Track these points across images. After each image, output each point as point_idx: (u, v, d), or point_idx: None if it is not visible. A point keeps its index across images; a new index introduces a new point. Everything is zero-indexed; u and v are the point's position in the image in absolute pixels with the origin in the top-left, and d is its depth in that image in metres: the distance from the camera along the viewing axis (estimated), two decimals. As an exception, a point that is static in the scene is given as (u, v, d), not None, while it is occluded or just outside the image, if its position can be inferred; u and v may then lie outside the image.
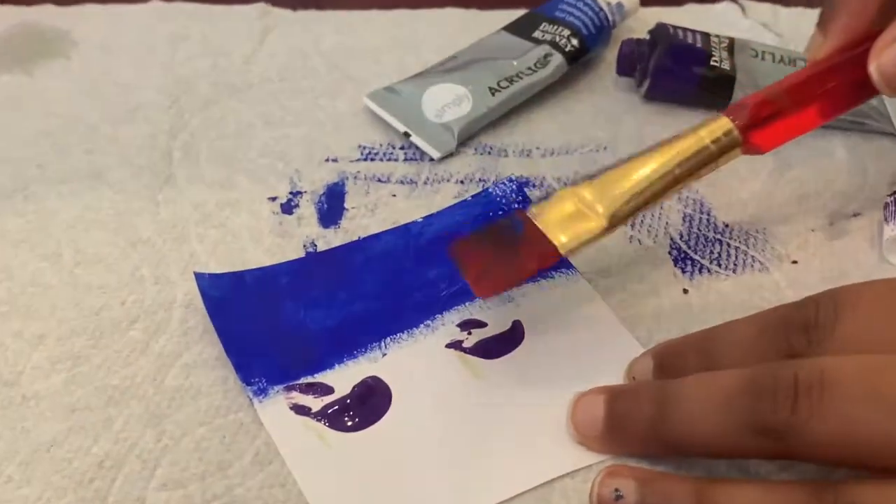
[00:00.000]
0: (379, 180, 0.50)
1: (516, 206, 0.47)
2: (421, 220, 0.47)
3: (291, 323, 0.42)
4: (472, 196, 0.48)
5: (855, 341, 0.35)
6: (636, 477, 0.36)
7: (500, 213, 0.47)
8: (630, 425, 0.37)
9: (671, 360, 0.39)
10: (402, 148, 0.52)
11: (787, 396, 0.33)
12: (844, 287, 0.37)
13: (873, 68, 0.40)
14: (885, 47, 0.40)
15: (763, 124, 0.41)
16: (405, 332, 0.42)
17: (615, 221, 0.40)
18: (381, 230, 0.47)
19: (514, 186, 0.48)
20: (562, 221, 0.39)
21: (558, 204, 0.40)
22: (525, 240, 0.39)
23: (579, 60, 0.55)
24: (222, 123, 0.53)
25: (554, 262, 0.39)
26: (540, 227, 0.39)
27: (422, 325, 0.42)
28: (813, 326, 0.36)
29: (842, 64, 0.42)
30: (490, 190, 0.48)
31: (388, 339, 0.42)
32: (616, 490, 0.35)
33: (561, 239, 0.39)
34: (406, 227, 0.46)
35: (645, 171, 0.40)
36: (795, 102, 0.41)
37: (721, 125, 0.41)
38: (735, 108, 0.41)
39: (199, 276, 0.43)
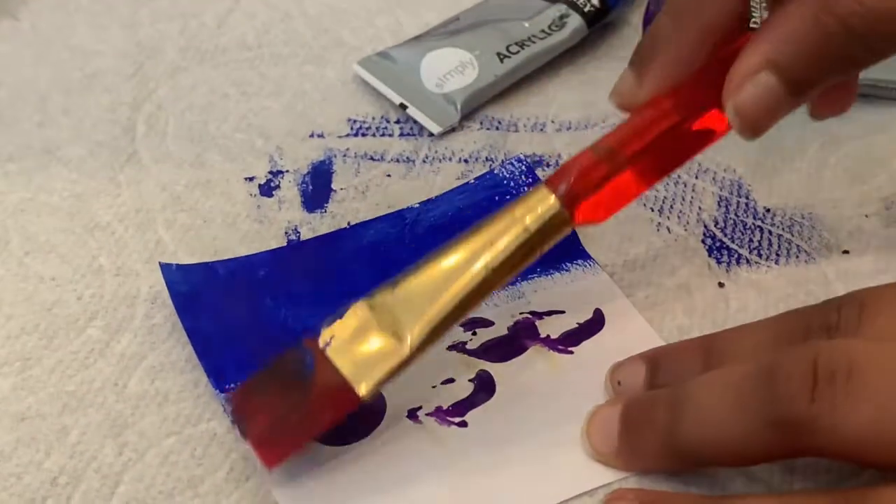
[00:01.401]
0: (371, 159, 0.50)
1: (526, 188, 0.47)
2: (417, 205, 0.47)
3: (270, 322, 0.42)
4: (476, 178, 0.48)
5: (882, 339, 0.35)
6: (641, 500, 0.36)
7: (508, 197, 0.47)
8: (645, 436, 0.37)
9: (668, 366, 0.39)
10: (397, 122, 0.52)
11: (804, 382, 0.33)
12: (870, 288, 0.37)
13: (730, 108, 0.38)
14: (742, 82, 0.37)
15: (593, 192, 0.39)
16: None
17: (421, 349, 0.37)
18: (373, 215, 0.47)
19: (523, 167, 0.48)
20: (360, 352, 0.37)
21: (353, 326, 0.38)
22: (317, 381, 0.37)
23: (600, 22, 0.55)
24: (192, 94, 0.53)
25: (353, 409, 0.37)
26: (335, 362, 0.37)
27: None
28: (835, 328, 0.36)
29: (675, 106, 0.39)
30: (496, 171, 0.48)
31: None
32: None
33: (363, 384, 0.37)
34: (400, 214, 0.46)
35: (456, 276, 0.38)
36: (627, 160, 0.39)
37: (543, 202, 0.38)
38: (558, 177, 0.39)
39: (166, 268, 0.43)
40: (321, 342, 0.38)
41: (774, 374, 0.34)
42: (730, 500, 0.36)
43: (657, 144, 0.39)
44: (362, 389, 0.37)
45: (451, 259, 0.38)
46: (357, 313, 0.38)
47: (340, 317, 0.38)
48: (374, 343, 0.38)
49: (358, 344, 0.38)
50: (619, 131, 0.39)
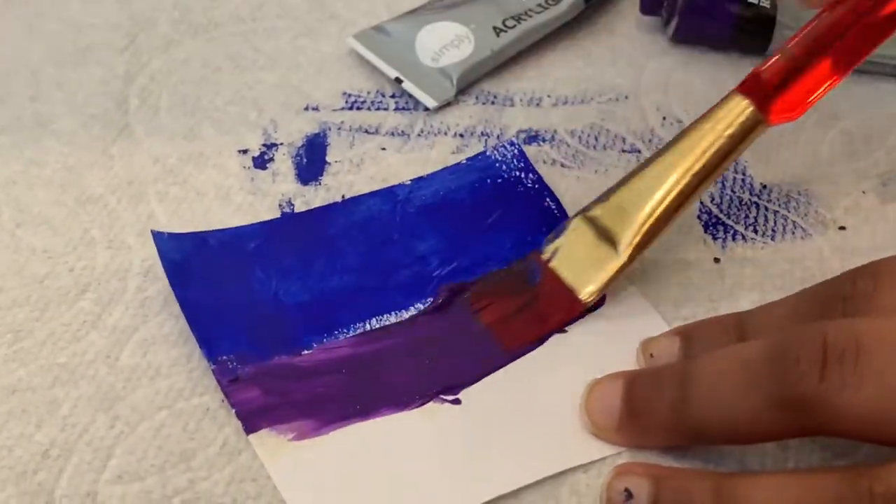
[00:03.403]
0: (366, 132, 0.50)
1: (517, 172, 0.47)
2: (409, 182, 0.47)
3: (261, 294, 0.42)
4: (468, 159, 0.48)
5: (894, 312, 0.35)
6: (650, 475, 0.36)
7: (500, 179, 0.47)
8: (651, 413, 0.37)
9: (701, 340, 0.39)
10: (392, 96, 0.51)
11: (813, 362, 0.33)
12: (885, 258, 0.37)
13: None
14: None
15: (783, 91, 0.41)
16: (392, 313, 0.42)
17: (636, 252, 0.42)
18: (367, 188, 0.47)
19: (515, 150, 0.48)
20: (580, 262, 0.42)
21: (574, 240, 0.43)
22: (544, 290, 0.42)
23: (597, -3, 0.55)
24: (186, 67, 0.53)
25: (578, 313, 0.42)
26: (559, 273, 0.42)
27: (412, 308, 0.42)
28: (850, 298, 0.36)
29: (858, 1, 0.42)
30: (488, 153, 0.48)
31: (374, 319, 0.42)
32: (626, 490, 0.36)
33: (586, 290, 0.42)
34: (392, 191, 0.46)
35: (661, 184, 0.42)
36: (812, 58, 0.41)
37: (737, 109, 0.42)
38: (749, 83, 0.42)
39: (158, 236, 0.43)
40: (545, 255, 0.43)
41: (783, 354, 0.34)
42: (742, 477, 0.36)
43: (846, 36, 0.42)
44: (585, 294, 0.42)
45: (656, 169, 0.42)
46: (577, 227, 0.43)
47: (561, 232, 0.43)
48: (593, 253, 0.42)
49: (578, 255, 0.42)
50: (806, 30, 0.42)
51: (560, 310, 0.41)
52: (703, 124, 0.42)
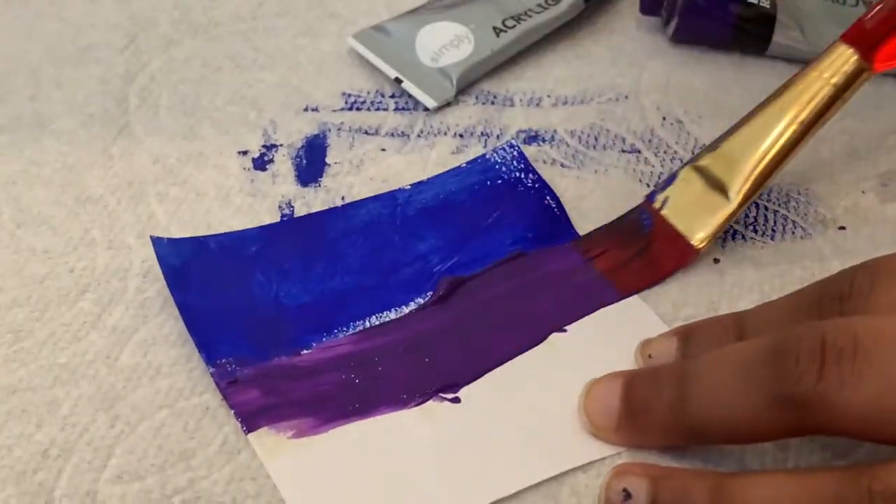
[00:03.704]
0: (366, 133, 0.50)
1: (517, 173, 0.47)
2: (409, 187, 0.47)
3: (261, 298, 0.42)
4: (468, 162, 0.48)
5: (891, 310, 0.35)
6: (649, 475, 0.36)
7: (500, 181, 0.47)
8: (649, 411, 0.37)
9: (700, 340, 0.39)
10: (392, 96, 0.51)
11: (812, 361, 0.33)
12: (883, 257, 0.37)
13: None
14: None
15: (887, 39, 0.43)
16: (392, 310, 0.42)
17: (746, 199, 0.43)
18: (367, 189, 0.47)
19: (514, 152, 0.48)
20: (691, 210, 0.43)
21: (683, 188, 0.44)
22: (657, 237, 0.43)
23: (597, -4, 0.55)
24: (185, 66, 0.53)
25: (692, 259, 0.43)
26: (670, 221, 0.43)
27: (412, 303, 0.43)
28: (847, 296, 0.36)
29: None
30: (488, 156, 0.48)
31: (374, 317, 0.42)
32: (624, 490, 0.36)
33: (698, 236, 0.43)
34: (392, 195, 0.46)
35: (768, 132, 0.43)
36: None
37: (842, 58, 0.43)
38: (853, 32, 0.43)
39: (157, 242, 0.43)
40: (656, 204, 0.44)
41: (782, 353, 0.34)
42: (741, 476, 0.36)
43: None
44: (697, 241, 0.43)
45: (763, 118, 0.43)
46: (686, 177, 0.44)
47: (671, 182, 0.44)
48: (703, 200, 0.43)
49: (689, 203, 0.44)
50: None
51: (673, 255, 0.43)
52: (808, 73, 0.43)
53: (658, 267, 0.43)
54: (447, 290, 0.43)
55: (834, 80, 0.43)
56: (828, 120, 0.43)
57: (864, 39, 0.43)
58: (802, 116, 0.43)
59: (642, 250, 0.43)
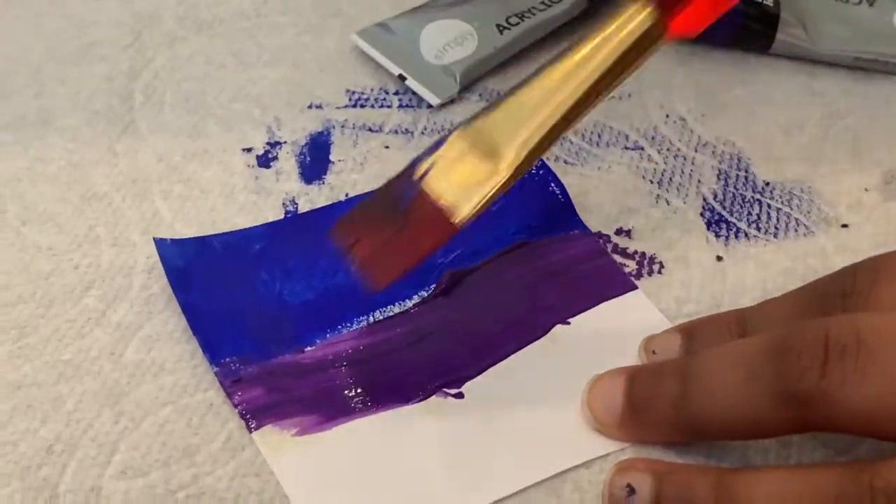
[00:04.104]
0: (370, 130, 0.50)
1: None
2: None
3: (266, 296, 0.42)
4: None
5: (894, 307, 0.35)
6: (653, 470, 0.36)
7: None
8: (652, 408, 0.37)
9: (704, 337, 0.40)
10: (396, 93, 0.52)
11: (815, 358, 0.33)
12: (885, 254, 0.37)
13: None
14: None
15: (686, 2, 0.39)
16: (396, 303, 0.42)
17: (518, 170, 0.38)
18: (371, 187, 0.47)
19: None
20: (457, 179, 0.38)
21: (452, 154, 0.39)
22: (414, 214, 0.38)
23: (601, -6, 0.55)
24: (190, 63, 0.53)
25: (451, 236, 0.38)
26: (433, 192, 0.38)
27: (415, 297, 0.43)
28: (849, 293, 0.36)
29: None
30: None
31: (378, 312, 0.42)
32: (628, 486, 0.36)
33: (460, 210, 0.38)
34: None
35: (550, 96, 0.38)
36: None
37: (637, 16, 0.38)
38: None
39: (160, 243, 0.43)
40: (419, 172, 0.38)
41: (785, 349, 0.34)
42: (744, 472, 0.36)
43: None
44: (458, 215, 0.38)
45: (545, 79, 0.38)
46: (455, 141, 0.39)
47: (439, 146, 0.39)
48: (472, 169, 0.38)
49: (456, 171, 0.38)
50: None
51: (429, 234, 0.38)
52: (600, 31, 0.38)
53: (416, 246, 0.38)
54: (449, 284, 0.43)
55: (624, 38, 0.38)
56: (617, 85, 0.39)
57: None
58: (588, 81, 0.38)
59: (398, 232, 0.38)
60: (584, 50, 0.38)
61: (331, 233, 0.39)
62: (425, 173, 0.38)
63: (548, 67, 0.39)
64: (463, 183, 0.38)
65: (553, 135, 0.38)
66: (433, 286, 0.43)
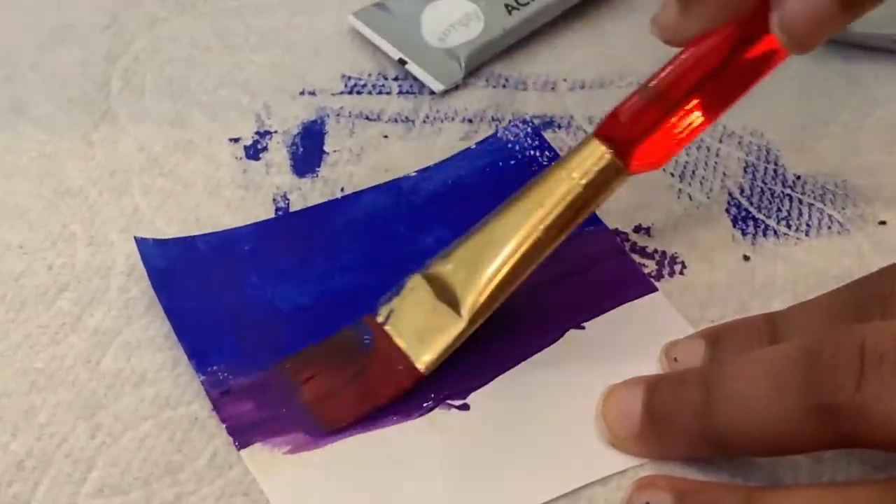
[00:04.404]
0: (367, 118, 0.50)
1: (531, 151, 0.47)
2: (414, 174, 0.47)
3: (256, 301, 0.42)
4: (478, 143, 0.48)
5: None
6: (674, 488, 0.36)
7: (513, 162, 0.47)
8: (674, 420, 0.37)
9: (729, 343, 0.39)
10: (395, 79, 0.51)
11: (850, 368, 0.33)
12: None
13: (776, 21, 0.38)
14: None
15: (645, 137, 0.40)
16: None
17: (479, 315, 0.40)
18: (368, 179, 0.47)
19: (528, 129, 0.48)
20: (418, 326, 0.40)
21: (411, 300, 0.41)
22: (376, 357, 0.40)
23: (617, -29, 0.55)
24: (172, 46, 0.53)
25: (413, 383, 0.40)
26: (394, 338, 0.40)
27: None
28: (888, 297, 0.36)
29: (726, 38, 0.40)
30: (499, 134, 0.48)
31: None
32: None
33: (423, 358, 0.40)
34: (396, 184, 0.46)
35: (508, 239, 0.40)
36: (678, 100, 0.40)
37: (594, 155, 0.40)
38: (606, 125, 0.41)
39: (142, 243, 0.43)
40: (380, 318, 0.41)
41: (818, 359, 0.34)
42: (774, 490, 0.36)
43: (712, 79, 0.40)
44: (422, 363, 0.40)
45: (501, 223, 0.40)
46: (414, 286, 0.41)
47: (398, 292, 0.41)
48: (432, 316, 0.40)
49: (416, 318, 0.40)
50: (667, 69, 0.41)
51: (393, 380, 0.40)
52: (557, 171, 0.40)
53: (373, 393, 0.39)
54: None
55: (584, 180, 0.40)
56: (579, 223, 0.41)
57: (619, 135, 0.40)
58: (548, 221, 0.40)
59: (358, 374, 0.40)
60: (539, 192, 0.40)
61: (281, 366, 0.40)
62: (387, 318, 0.41)
63: (503, 209, 0.41)
64: (424, 329, 0.40)
65: (513, 278, 0.40)
66: None
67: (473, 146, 0.48)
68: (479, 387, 0.40)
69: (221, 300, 0.42)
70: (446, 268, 0.41)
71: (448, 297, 0.40)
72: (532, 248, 0.40)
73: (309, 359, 0.40)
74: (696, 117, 0.41)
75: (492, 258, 0.40)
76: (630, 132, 0.40)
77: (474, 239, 0.41)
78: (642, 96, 0.41)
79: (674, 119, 0.40)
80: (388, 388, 0.39)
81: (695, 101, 0.40)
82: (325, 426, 0.39)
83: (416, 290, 0.41)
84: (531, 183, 0.41)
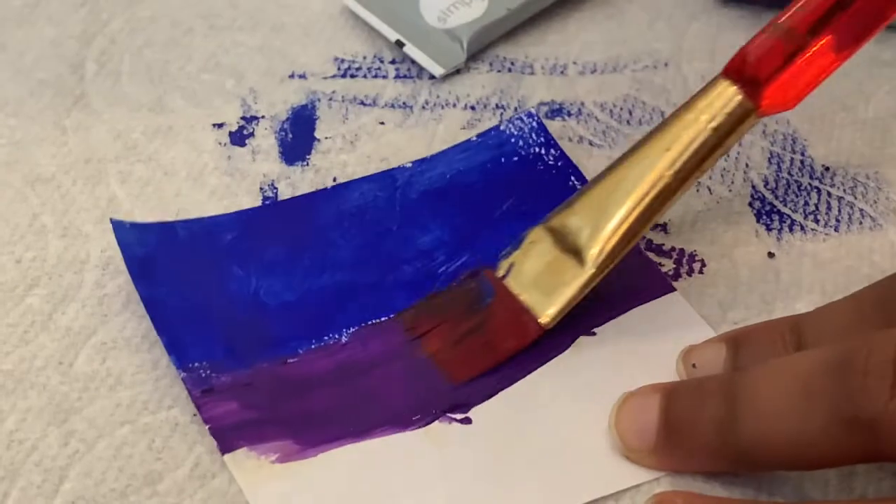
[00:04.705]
0: (362, 103, 0.50)
1: (536, 148, 0.47)
2: (410, 165, 0.47)
3: (239, 294, 0.42)
4: (479, 135, 0.48)
5: None
6: None
7: (516, 157, 0.47)
8: (692, 431, 0.37)
9: (752, 348, 0.39)
10: (392, 62, 0.52)
11: (883, 376, 0.33)
12: None
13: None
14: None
15: (777, 76, 0.41)
16: (393, 314, 0.42)
17: (605, 265, 0.41)
18: (362, 169, 0.47)
19: (534, 123, 0.48)
20: (540, 279, 0.41)
21: (532, 253, 0.42)
22: (496, 312, 0.41)
23: (631, -53, 0.55)
24: (152, 26, 0.53)
25: (535, 338, 0.41)
26: (514, 292, 0.41)
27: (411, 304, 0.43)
28: None
29: None
30: (502, 127, 0.48)
31: (371, 322, 0.42)
32: None
33: (547, 311, 0.41)
34: (391, 175, 0.46)
35: (634, 187, 0.41)
36: (810, 35, 0.41)
37: (723, 96, 0.41)
38: (735, 64, 0.41)
39: (118, 226, 0.43)
40: (500, 272, 0.42)
41: (848, 366, 0.34)
42: None
43: (844, 12, 0.41)
44: (546, 317, 0.41)
45: (626, 170, 0.41)
46: (535, 239, 0.42)
47: (518, 245, 0.42)
48: (555, 268, 0.41)
49: (538, 271, 0.42)
50: (797, 4, 0.41)
51: (514, 335, 0.41)
52: (684, 115, 0.41)
53: (494, 348, 0.41)
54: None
55: (713, 123, 0.41)
56: (708, 169, 0.42)
57: (748, 74, 0.41)
58: (676, 166, 0.41)
59: (478, 328, 0.41)
60: (668, 134, 0.41)
61: (399, 317, 0.42)
62: (507, 272, 0.42)
63: (630, 154, 0.42)
64: (547, 282, 0.41)
65: (640, 225, 0.41)
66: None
67: (474, 138, 0.48)
68: (482, 399, 0.40)
69: (204, 292, 0.42)
70: (569, 218, 0.42)
71: (572, 247, 0.41)
72: (659, 195, 0.41)
73: (428, 311, 0.42)
74: (829, 54, 0.41)
75: (618, 206, 0.41)
76: (760, 70, 0.41)
77: (598, 188, 0.42)
78: (771, 33, 0.41)
79: (806, 55, 0.41)
80: (510, 342, 0.41)
81: (827, 37, 0.41)
82: (451, 380, 0.40)
83: (537, 243, 0.42)
84: (657, 127, 0.42)
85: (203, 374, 0.40)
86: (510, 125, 0.48)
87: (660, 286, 0.43)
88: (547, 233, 0.42)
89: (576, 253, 0.41)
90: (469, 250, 0.44)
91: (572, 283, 0.41)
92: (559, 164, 0.46)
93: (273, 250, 0.44)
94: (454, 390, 0.40)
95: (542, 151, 0.47)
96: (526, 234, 0.42)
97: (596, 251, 0.41)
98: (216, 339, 0.41)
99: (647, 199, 0.41)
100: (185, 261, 0.43)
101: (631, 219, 0.41)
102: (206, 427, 0.39)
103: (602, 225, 0.41)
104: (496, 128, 0.48)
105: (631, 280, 0.43)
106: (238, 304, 0.42)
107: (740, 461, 0.37)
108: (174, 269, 0.43)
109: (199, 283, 0.43)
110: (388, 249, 0.44)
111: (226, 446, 0.38)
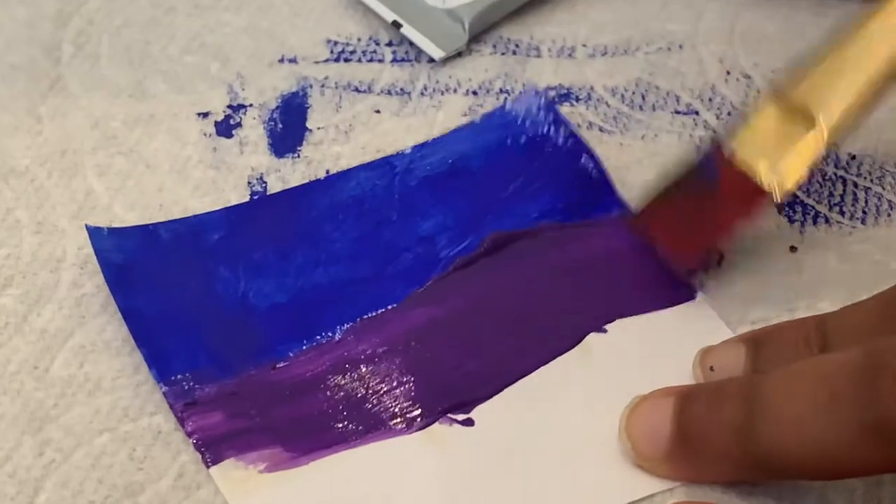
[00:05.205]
0: (356, 90, 0.50)
1: (545, 128, 0.47)
2: (409, 150, 0.47)
3: (226, 297, 0.43)
4: (483, 116, 0.48)
5: None
6: None
7: (523, 138, 0.47)
8: (709, 438, 0.37)
9: (773, 349, 0.39)
10: (389, 44, 0.52)
11: None
12: None
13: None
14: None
15: None
16: (390, 307, 0.42)
17: (837, 134, 0.42)
18: (357, 161, 0.47)
19: (541, 101, 0.48)
20: (769, 151, 0.42)
21: (760, 125, 0.43)
22: (726, 185, 0.42)
23: (645, -80, 0.55)
24: (131, 6, 0.53)
25: (767, 208, 0.43)
26: (742, 165, 0.42)
27: (408, 296, 0.43)
28: None
29: None
30: (507, 107, 0.48)
31: (367, 317, 0.42)
32: None
33: (778, 182, 0.42)
34: (388, 161, 0.46)
35: (870, 54, 0.42)
36: None
37: None
38: None
39: (95, 233, 0.43)
40: (727, 144, 0.43)
41: (875, 369, 0.34)
42: None
43: None
44: (780, 188, 0.42)
45: (860, 38, 0.42)
46: (761, 111, 0.43)
47: (744, 118, 0.43)
48: (785, 139, 0.42)
49: (767, 143, 0.42)
50: None
51: (745, 208, 0.42)
52: None
53: (724, 224, 0.43)
54: (489, 249, 0.43)
55: None
56: None
57: None
58: None
59: (706, 206, 0.43)
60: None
61: (632, 223, 0.44)
62: (734, 146, 0.42)
63: (860, 25, 0.42)
64: (778, 154, 0.42)
65: (874, 93, 0.42)
66: (433, 279, 0.43)
67: (478, 120, 0.48)
68: (484, 399, 0.40)
69: (187, 298, 0.42)
70: (799, 87, 0.42)
71: (802, 117, 0.42)
72: (893, 68, 0.42)
73: (657, 207, 0.43)
74: None
75: (851, 72, 0.42)
76: None
77: (830, 57, 0.42)
78: None
79: None
80: (739, 216, 0.42)
81: None
82: (678, 264, 0.43)
83: (763, 114, 0.43)
84: (880, 4, 0.42)
85: (186, 387, 0.40)
86: (516, 105, 0.48)
87: (681, 293, 0.43)
88: (774, 103, 0.43)
89: (805, 124, 0.42)
90: (474, 233, 0.44)
91: (805, 153, 0.42)
92: (569, 143, 0.46)
93: (263, 249, 0.44)
94: (455, 386, 0.40)
95: (551, 131, 0.47)
96: (752, 104, 0.44)
97: (828, 120, 0.42)
98: (200, 348, 0.41)
99: (885, 67, 0.42)
100: (168, 265, 0.43)
101: (864, 86, 0.42)
102: (191, 441, 0.39)
103: (834, 93, 0.42)
104: (501, 108, 0.48)
105: (650, 284, 0.43)
106: (225, 309, 0.42)
107: (759, 469, 0.37)
108: (155, 276, 0.43)
109: (182, 288, 0.43)
110: (386, 240, 0.44)
111: (212, 458, 0.38)
